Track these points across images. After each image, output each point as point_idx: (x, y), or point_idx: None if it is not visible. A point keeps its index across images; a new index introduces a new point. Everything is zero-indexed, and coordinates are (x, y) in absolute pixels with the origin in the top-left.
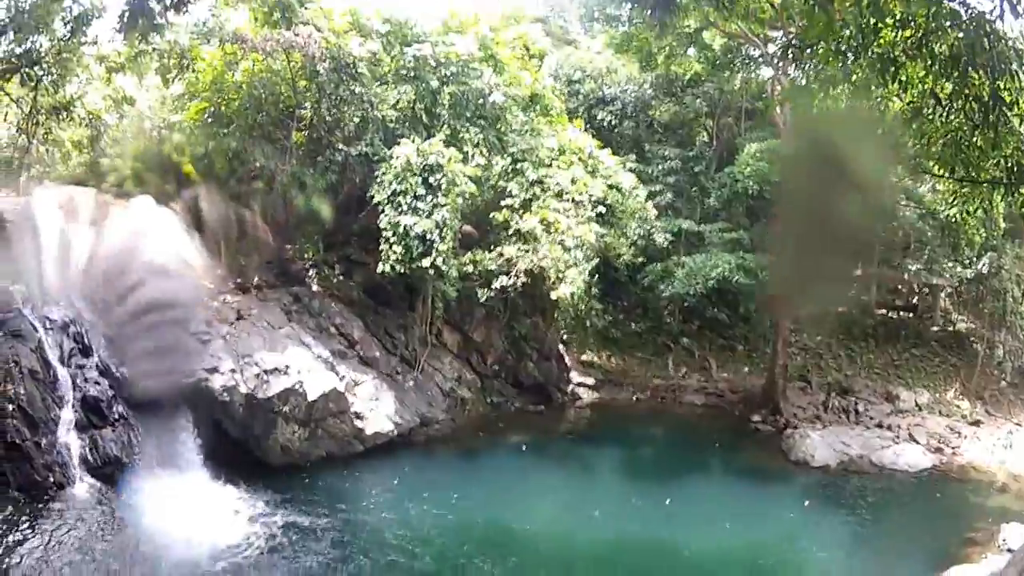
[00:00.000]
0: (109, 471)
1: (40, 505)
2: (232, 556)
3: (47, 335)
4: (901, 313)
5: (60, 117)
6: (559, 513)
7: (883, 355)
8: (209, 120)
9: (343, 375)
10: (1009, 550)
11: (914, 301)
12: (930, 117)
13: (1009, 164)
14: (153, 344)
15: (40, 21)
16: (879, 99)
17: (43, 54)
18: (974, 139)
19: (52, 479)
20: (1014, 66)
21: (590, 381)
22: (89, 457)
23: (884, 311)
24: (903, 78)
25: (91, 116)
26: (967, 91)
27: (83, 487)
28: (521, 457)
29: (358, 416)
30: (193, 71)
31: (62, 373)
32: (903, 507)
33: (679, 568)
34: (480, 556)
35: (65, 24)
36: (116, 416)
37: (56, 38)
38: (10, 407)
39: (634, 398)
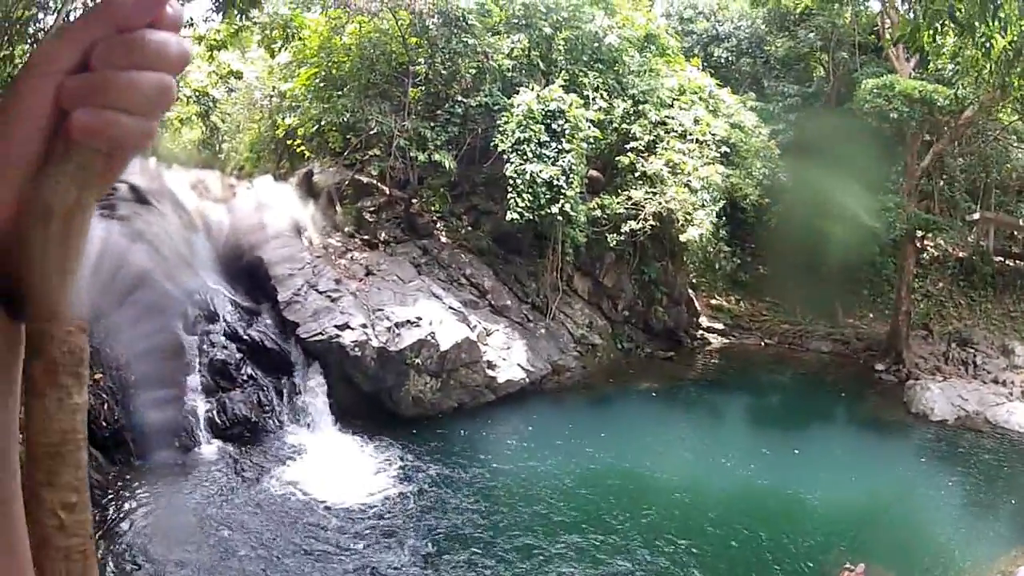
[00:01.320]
0: (238, 431)
1: (163, 470)
2: (381, 517)
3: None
4: (1017, 261)
5: None
6: (691, 461)
7: (1000, 305)
8: (321, 84)
9: (475, 325)
10: None
11: None
12: None
13: None
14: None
15: None
16: (983, 37)
17: None
18: None
19: (177, 444)
20: None
21: (719, 326)
22: (216, 419)
23: (1001, 259)
24: (1002, 15)
25: (197, 93)
26: None
27: (210, 449)
28: (652, 404)
29: (490, 365)
30: (299, 39)
31: (187, 340)
32: (1012, 471)
33: (804, 516)
34: (618, 509)
35: None
36: (245, 378)
37: None
38: (132, 378)
39: (762, 343)
